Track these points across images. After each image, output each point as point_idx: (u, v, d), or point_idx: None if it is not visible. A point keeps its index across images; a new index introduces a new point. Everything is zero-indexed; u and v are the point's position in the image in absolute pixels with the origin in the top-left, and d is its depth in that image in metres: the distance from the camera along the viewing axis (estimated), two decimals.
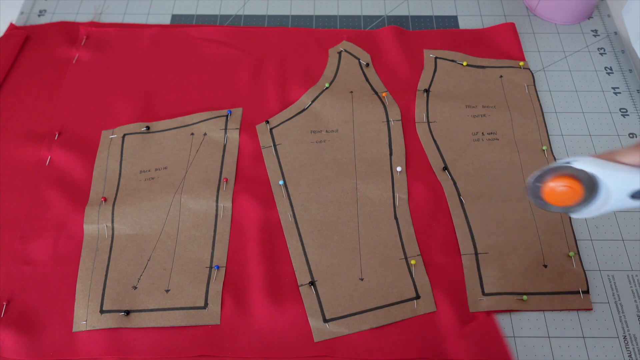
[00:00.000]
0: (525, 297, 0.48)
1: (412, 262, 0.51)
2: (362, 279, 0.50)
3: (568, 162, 0.39)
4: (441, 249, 0.52)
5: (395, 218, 0.53)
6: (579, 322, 0.48)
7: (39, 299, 0.50)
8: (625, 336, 0.47)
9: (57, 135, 0.60)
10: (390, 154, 0.57)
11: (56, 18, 0.71)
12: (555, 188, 0.39)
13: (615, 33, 0.68)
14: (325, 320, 0.48)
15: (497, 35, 0.68)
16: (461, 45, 0.67)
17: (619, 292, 0.50)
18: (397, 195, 0.55)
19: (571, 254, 0.51)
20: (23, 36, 0.68)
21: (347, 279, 0.50)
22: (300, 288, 0.50)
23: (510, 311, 0.48)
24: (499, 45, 0.65)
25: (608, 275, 0.50)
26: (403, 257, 0.51)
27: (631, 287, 0.50)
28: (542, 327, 0.48)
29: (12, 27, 0.69)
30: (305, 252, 0.52)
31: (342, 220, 0.53)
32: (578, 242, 0.52)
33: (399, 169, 0.56)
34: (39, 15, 0.72)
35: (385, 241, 0.52)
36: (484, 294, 0.49)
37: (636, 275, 0.50)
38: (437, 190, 0.55)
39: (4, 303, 0.50)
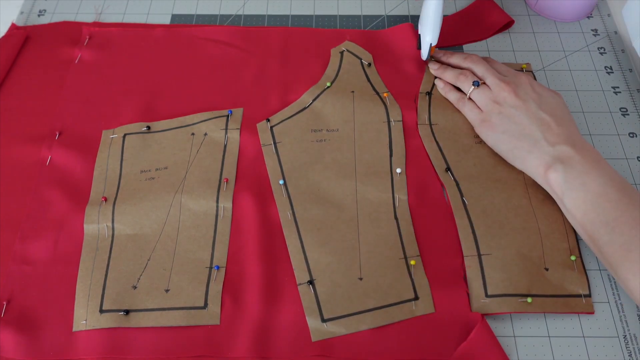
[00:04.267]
0: (529, 299, 0.48)
1: (412, 262, 0.51)
2: (361, 279, 0.50)
3: None
4: (440, 251, 0.52)
5: (396, 218, 0.53)
6: (579, 322, 0.48)
7: (39, 299, 0.50)
8: (626, 336, 0.47)
9: (57, 135, 0.60)
10: (391, 155, 0.57)
11: (56, 18, 0.71)
12: None
13: (615, 32, 0.68)
14: (323, 320, 0.48)
15: (480, 11, 0.69)
16: (454, 34, 0.68)
17: (619, 291, 0.49)
18: (396, 196, 0.55)
19: (573, 257, 0.50)
20: (23, 36, 0.67)
21: (346, 278, 0.50)
22: (298, 287, 0.50)
23: (512, 313, 0.48)
24: (487, 20, 0.67)
25: (608, 275, 0.50)
26: (403, 257, 0.51)
27: None
28: (542, 327, 0.48)
29: (13, 27, 0.69)
30: (304, 250, 0.52)
31: (342, 219, 0.53)
32: (579, 242, 0.52)
33: (398, 170, 0.56)
34: (38, 15, 0.72)
35: (385, 240, 0.52)
36: (487, 295, 0.49)
37: None
38: (437, 191, 0.55)
39: (4, 303, 0.50)
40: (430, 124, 0.60)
